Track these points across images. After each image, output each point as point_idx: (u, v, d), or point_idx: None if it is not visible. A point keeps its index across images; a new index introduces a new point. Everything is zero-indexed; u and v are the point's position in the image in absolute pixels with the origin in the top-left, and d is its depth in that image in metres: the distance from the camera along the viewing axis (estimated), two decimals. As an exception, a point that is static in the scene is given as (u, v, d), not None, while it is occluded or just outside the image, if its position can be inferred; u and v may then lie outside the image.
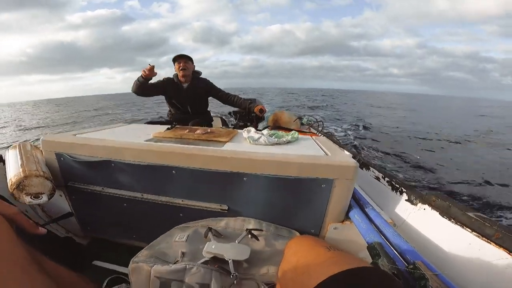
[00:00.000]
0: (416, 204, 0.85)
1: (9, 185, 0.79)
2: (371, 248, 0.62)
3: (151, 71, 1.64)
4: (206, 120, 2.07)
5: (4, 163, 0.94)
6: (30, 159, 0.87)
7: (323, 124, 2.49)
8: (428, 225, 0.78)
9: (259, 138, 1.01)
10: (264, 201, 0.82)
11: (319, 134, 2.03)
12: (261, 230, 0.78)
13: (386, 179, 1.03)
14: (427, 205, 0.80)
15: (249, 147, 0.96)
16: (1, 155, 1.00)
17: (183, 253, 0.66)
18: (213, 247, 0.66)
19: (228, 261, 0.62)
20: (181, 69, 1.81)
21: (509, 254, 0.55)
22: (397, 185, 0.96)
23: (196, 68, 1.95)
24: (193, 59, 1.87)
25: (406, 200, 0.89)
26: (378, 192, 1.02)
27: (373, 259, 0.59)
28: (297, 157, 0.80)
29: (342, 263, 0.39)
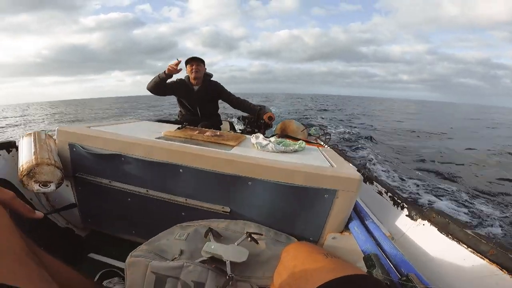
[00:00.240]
0: (416, 220, 0.85)
1: (19, 171, 0.81)
2: (367, 258, 0.63)
3: (176, 67, 1.65)
4: (215, 123, 2.07)
5: (17, 150, 0.97)
6: (44, 148, 0.89)
7: (330, 136, 2.49)
8: (425, 239, 0.78)
9: (266, 144, 1.02)
10: (267, 206, 0.83)
11: (326, 146, 2.03)
12: (261, 234, 0.78)
13: (389, 194, 1.03)
14: (426, 221, 0.80)
15: (256, 152, 0.97)
16: (15, 141, 1.03)
17: (181, 251, 0.67)
18: (212, 247, 0.66)
19: (225, 262, 0.63)
20: (193, 72, 1.84)
21: (500, 270, 0.55)
22: (399, 201, 0.96)
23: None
24: (205, 61, 1.90)
25: (406, 215, 0.89)
26: (379, 206, 1.02)
27: (368, 269, 0.60)
28: (303, 166, 0.81)
29: (339, 270, 0.39)
